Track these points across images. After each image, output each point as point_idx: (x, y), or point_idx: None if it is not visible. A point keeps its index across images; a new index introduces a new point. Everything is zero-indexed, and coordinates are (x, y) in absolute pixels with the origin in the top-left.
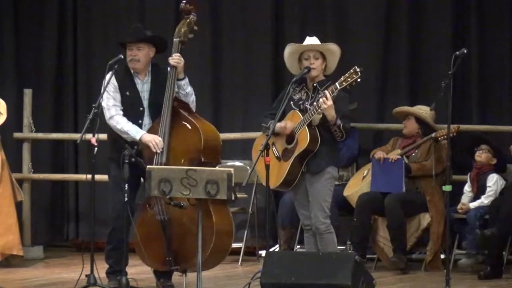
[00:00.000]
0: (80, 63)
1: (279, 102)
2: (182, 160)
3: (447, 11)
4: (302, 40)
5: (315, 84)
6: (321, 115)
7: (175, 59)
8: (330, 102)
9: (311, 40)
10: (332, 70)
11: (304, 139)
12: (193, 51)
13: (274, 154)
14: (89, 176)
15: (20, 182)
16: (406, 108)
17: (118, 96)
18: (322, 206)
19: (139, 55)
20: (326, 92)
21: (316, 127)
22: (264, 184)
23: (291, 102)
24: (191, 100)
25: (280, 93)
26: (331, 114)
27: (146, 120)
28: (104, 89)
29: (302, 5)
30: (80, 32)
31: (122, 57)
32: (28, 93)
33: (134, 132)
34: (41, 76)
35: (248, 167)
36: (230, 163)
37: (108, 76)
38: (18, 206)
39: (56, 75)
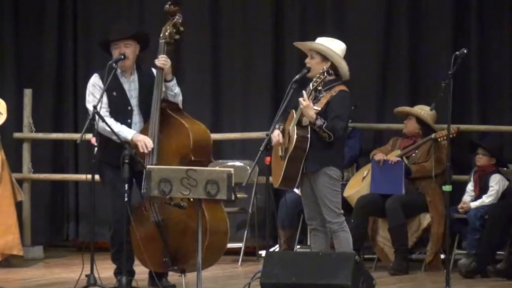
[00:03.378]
0: (80, 63)
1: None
2: (173, 160)
3: (447, 11)
4: (302, 40)
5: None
6: None
7: (161, 60)
8: (306, 102)
9: (317, 40)
10: (343, 70)
11: (292, 138)
12: (193, 51)
13: (279, 154)
14: (89, 176)
15: (20, 182)
16: (407, 109)
17: (104, 98)
18: (329, 206)
19: (128, 52)
20: (304, 92)
21: (309, 126)
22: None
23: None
24: (179, 100)
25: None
26: (309, 114)
27: (136, 119)
28: (104, 91)
29: (302, 5)
30: (80, 32)
31: (123, 57)
32: (28, 93)
33: (126, 132)
34: (41, 76)
35: (248, 167)
36: (230, 163)
37: (93, 79)
38: (18, 206)
39: (56, 75)
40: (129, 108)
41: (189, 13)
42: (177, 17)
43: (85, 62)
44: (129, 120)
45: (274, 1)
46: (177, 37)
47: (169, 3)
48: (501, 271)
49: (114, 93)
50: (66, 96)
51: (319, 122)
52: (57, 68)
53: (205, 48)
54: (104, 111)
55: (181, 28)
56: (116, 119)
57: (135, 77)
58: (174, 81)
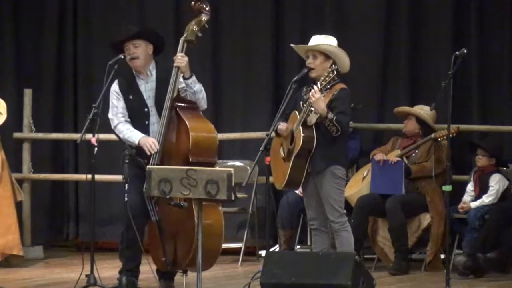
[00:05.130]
0: (80, 63)
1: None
2: (177, 161)
3: (447, 11)
4: (302, 39)
5: (318, 83)
6: (318, 115)
7: (177, 59)
8: (318, 95)
9: (314, 39)
10: (345, 68)
11: (298, 139)
12: (193, 51)
13: (281, 155)
14: (89, 176)
15: (20, 182)
16: (407, 109)
17: (121, 103)
18: (333, 205)
19: (137, 52)
20: (315, 86)
21: (314, 126)
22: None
23: (301, 102)
24: (201, 96)
25: (297, 92)
26: (321, 107)
27: (154, 119)
28: (104, 90)
29: (302, 5)
30: (80, 32)
31: (122, 57)
32: (28, 93)
33: (133, 138)
34: (41, 76)
35: (248, 167)
36: (230, 163)
37: (113, 86)
38: (18, 206)
39: (56, 75)
40: (146, 109)
41: (189, 13)
42: (202, 15)
43: (85, 62)
44: (146, 122)
45: (274, 1)
46: (200, 34)
47: (194, 0)
48: (491, 260)
49: (131, 97)
50: (66, 96)
51: (330, 115)
52: (57, 68)
53: (205, 48)
54: (120, 116)
55: (206, 26)
56: (134, 122)
57: (152, 77)
58: (193, 78)
